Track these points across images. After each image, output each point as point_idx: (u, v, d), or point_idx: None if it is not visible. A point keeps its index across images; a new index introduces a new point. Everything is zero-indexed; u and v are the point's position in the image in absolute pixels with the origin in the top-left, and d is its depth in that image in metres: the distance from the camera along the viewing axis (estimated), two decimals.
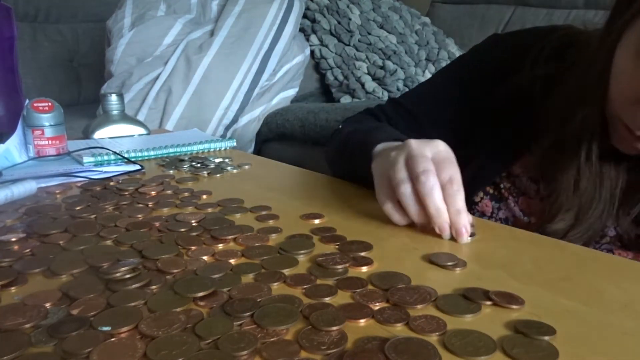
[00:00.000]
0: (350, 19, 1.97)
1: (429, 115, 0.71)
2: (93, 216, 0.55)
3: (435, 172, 0.48)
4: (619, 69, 0.50)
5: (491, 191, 0.65)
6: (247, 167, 0.76)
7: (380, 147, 0.58)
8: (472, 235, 0.48)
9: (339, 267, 0.42)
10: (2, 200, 0.58)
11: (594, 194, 0.56)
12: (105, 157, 0.78)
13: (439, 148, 0.51)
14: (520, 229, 0.54)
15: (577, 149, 0.56)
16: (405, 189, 0.49)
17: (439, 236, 0.49)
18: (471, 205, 0.65)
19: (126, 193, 0.63)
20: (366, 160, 0.58)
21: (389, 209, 0.51)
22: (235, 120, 1.71)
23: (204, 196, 0.62)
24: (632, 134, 0.51)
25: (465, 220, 0.47)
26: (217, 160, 0.79)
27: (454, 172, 0.49)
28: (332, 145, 0.76)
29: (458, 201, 0.48)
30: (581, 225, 0.56)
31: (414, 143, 0.51)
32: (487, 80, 0.67)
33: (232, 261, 0.43)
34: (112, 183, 0.68)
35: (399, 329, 0.34)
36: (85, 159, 0.76)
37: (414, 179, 0.48)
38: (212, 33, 1.69)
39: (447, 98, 0.71)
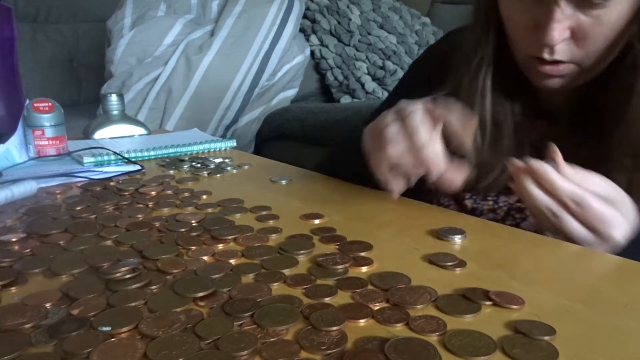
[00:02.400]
0: (350, 19, 1.97)
1: None
2: (93, 216, 0.55)
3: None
4: (508, 16, 0.58)
5: None
6: (247, 167, 0.76)
7: (370, 124, 0.60)
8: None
9: (339, 267, 0.42)
10: (2, 200, 0.58)
11: (493, 139, 0.62)
12: (106, 157, 0.78)
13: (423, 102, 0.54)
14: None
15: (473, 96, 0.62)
16: (392, 128, 0.50)
17: (439, 236, 0.49)
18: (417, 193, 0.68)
19: (126, 193, 0.63)
20: (359, 142, 0.59)
21: (384, 174, 0.52)
22: (235, 120, 1.71)
23: (204, 196, 0.62)
24: (539, 62, 0.57)
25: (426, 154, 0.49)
26: (217, 160, 0.79)
27: (442, 113, 0.51)
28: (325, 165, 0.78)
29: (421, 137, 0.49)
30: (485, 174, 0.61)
31: (402, 101, 0.54)
32: (423, 90, 0.68)
33: (232, 261, 0.43)
34: (112, 183, 0.68)
35: (399, 329, 0.34)
36: (86, 159, 0.76)
37: (401, 121, 0.50)
38: (212, 33, 1.69)
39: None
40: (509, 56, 0.62)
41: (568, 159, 0.58)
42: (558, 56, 0.56)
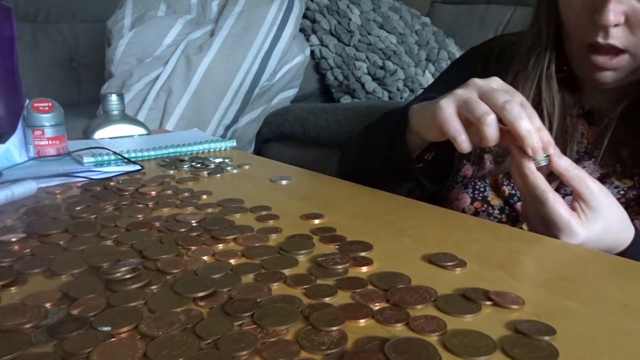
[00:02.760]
0: (350, 19, 1.97)
1: None
2: (93, 216, 0.55)
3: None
4: (565, 3, 0.61)
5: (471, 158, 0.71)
6: (247, 167, 0.76)
7: (416, 107, 0.62)
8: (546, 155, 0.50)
9: (339, 267, 0.42)
10: (2, 200, 0.58)
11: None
12: (106, 157, 0.78)
13: (500, 81, 0.55)
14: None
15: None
16: (492, 119, 0.50)
17: (438, 236, 0.49)
18: (456, 173, 0.71)
19: (126, 193, 0.63)
20: (402, 126, 0.61)
21: (464, 137, 0.52)
22: (235, 120, 1.71)
23: (204, 196, 0.62)
24: (593, 51, 0.59)
25: (548, 134, 0.51)
26: (217, 160, 0.79)
27: (522, 98, 0.52)
28: (352, 144, 0.79)
29: (537, 120, 0.51)
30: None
31: (478, 80, 0.54)
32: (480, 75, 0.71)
33: (232, 261, 0.43)
34: (112, 183, 0.68)
35: (399, 329, 0.34)
36: (86, 159, 0.76)
37: (499, 109, 0.50)
38: (212, 33, 1.69)
39: None
40: (561, 52, 0.64)
41: (604, 159, 0.60)
42: (612, 40, 0.57)
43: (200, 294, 0.37)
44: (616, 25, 0.56)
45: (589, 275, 0.42)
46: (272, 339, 0.32)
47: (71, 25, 2.04)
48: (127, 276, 0.40)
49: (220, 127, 1.68)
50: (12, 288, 0.39)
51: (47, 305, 0.36)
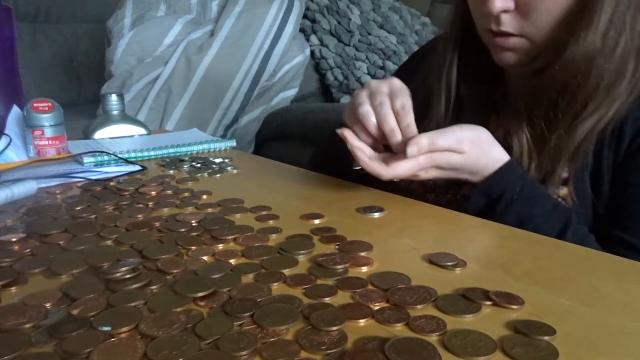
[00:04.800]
0: (350, 19, 1.97)
1: None
2: (93, 216, 0.55)
3: (390, 103, 0.58)
4: None
5: None
6: (247, 167, 0.76)
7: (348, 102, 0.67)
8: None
9: (339, 267, 0.42)
10: (2, 200, 0.58)
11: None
12: (106, 157, 0.78)
13: (394, 82, 0.61)
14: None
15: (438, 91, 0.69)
16: (365, 109, 0.59)
17: (438, 236, 0.49)
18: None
19: (126, 193, 0.63)
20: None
21: (348, 132, 0.59)
22: (235, 120, 1.71)
23: (204, 196, 0.62)
24: (491, 34, 0.61)
25: (415, 131, 0.56)
26: (217, 160, 0.79)
27: (405, 100, 0.58)
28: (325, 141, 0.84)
29: (408, 119, 0.57)
30: None
31: (373, 82, 0.62)
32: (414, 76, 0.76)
33: (232, 261, 0.43)
34: (112, 183, 0.68)
35: (399, 329, 0.34)
36: (86, 159, 0.76)
37: (374, 110, 0.58)
38: (212, 33, 1.69)
39: None
40: (476, 44, 0.65)
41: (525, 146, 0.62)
42: (504, 27, 0.59)
43: (200, 294, 0.37)
44: (506, 12, 0.57)
45: (589, 275, 0.42)
46: (272, 339, 0.32)
47: (71, 25, 2.04)
48: (127, 276, 0.40)
49: (220, 127, 1.68)
50: (12, 288, 0.39)
51: (47, 305, 0.36)
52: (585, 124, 0.58)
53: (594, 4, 0.54)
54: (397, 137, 0.56)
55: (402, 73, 0.81)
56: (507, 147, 0.61)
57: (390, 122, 0.57)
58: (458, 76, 0.68)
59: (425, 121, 0.68)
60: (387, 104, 0.58)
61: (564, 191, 0.61)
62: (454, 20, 0.69)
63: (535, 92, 0.61)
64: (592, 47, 0.55)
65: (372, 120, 0.58)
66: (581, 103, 0.57)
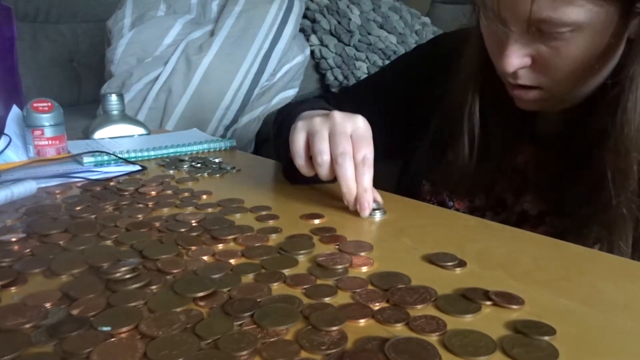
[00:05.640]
0: (350, 19, 1.97)
1: (374, 106, 0.75)
2: (93, 216, 0.55)
3: (352, 152, 0.54)
4: (484, 37, 0.59)
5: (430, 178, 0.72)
6: (247, 167, 0.76)
7: (306, 113, 0.62)
8: (378, 209, 0.55)
9: (339, 267, 0.42)
10: (2, 200, 0.58)
11: (487, 161, 0.64)
12: (105, 157, 0.78)
13: (359, 124, 0.56)
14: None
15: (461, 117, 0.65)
16: (324, 160, 0.54)
17: (438, 236, 0.49)
18: (416, 191, 0.71)
19: (126, 193, 0.63)
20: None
21: (302, 163, 0.57)
22: (235, 120, 1.71)
23: (204, 196, 0.62)
24: (509, 84, 0.59)
25: (369, 197, 0.54)
26: (217, 160, 0.79)
27: (368, 151, 0.55)
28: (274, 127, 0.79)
29: (365, 180, 0.54)
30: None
31: (338, 117, 0.56)
32: (424, 79, 0.72)
33: (232, 261, 0.43)
34: (112, 183, 0.68)
35: (399, 329, 0.34)
36: (85, 159, 0.76)
37: (333, 158, 0.54)
38: (212, 33, 1.69)
39: (391, 92, 0.78)
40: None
41: (553, 184, 0.60)
42: (521, 81, 0.56)
43: (200, 294, 0.37)
44: (523, 67, 0.55)
45: (589, 275, 0.42)
46: (272, 339, 0.32)
47: (71, 25, 2.04)
48: (127, 276, 0.40)
49: (220, 127, 1.68)
50: (12, 288, 0.39)
51: (47, 305, 0.36)
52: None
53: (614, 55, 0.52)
54: (352, 195, 0.54)
55: (408, 70, 0.78)
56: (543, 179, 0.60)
57: (349, 182, 0.53)
58: (481, 114, 0.65)
59: (447, 161, 0.67)
60: (350, 155, 0.53)
61: None
62: (473, 58, 0.64)
63: (571, 130, 0.59)
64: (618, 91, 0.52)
65: (326, 173, 0.55)
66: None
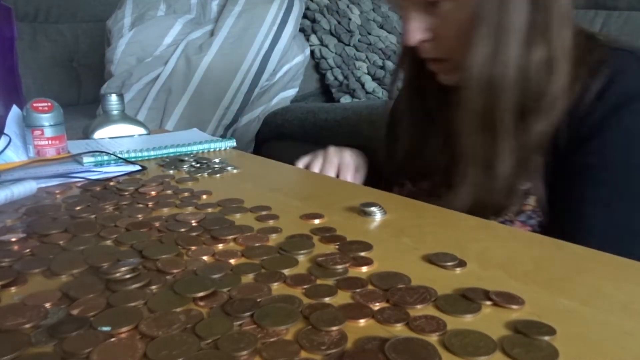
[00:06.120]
0: (350, 19, 1.97)
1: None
2: (93, 216, 0.55)
3: (336, 174, 0.76)
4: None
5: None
6: (247, 167, 0.76)
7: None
8: (378, 209, 0.55)
9: (339, 267, 0.42)
10: (2, 200, 0.58)
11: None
12: (105, 157, 0.78)
13: (344, 156, 0.79)
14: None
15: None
16: (316, 169, 0.78)
17: (438, 236, 0.49)
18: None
19: (126, 193, 0.63)
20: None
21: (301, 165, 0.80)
22: (235, 120, 1.71)
23: (204, 196, 0.62)
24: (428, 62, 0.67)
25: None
26: (217, 160, 0.79)
27: (348, 175, 0.77)
28: None
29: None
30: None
31: (331, 151, 0.79)
32: None
33: (232, 261, 0.43)
34: (112, 183, 0.68)
35: (399, 329, 0.34)
36: (85, 159, 0.76)
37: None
38: (212, 33, 1.69)
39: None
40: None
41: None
42: (425, 54, 0.65)
43: (200, 294, 0.37)
44: (425, 41, 0.63)
45: (589, 275, 0.42)
46: (272, 339, 0.32)
47: (71, 25, 2.04)
48: (127, 276, 0.40)
49: (220, 127, 1.68)
50: (12, 288, 0.39)
51: (47, 305, 0.36)
52: (530, 135, 0.60)
53: (476, 26, 0.58)
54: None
55: None
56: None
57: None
58: (417, 102, 0.73)
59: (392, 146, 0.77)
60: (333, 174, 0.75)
61: (531, 202, 0.62)
62: (402, 51, 0.74)
63: (460, 108, 0.63)
64: (483, 62, 0.58)
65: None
66: (502, 120, 0.59)
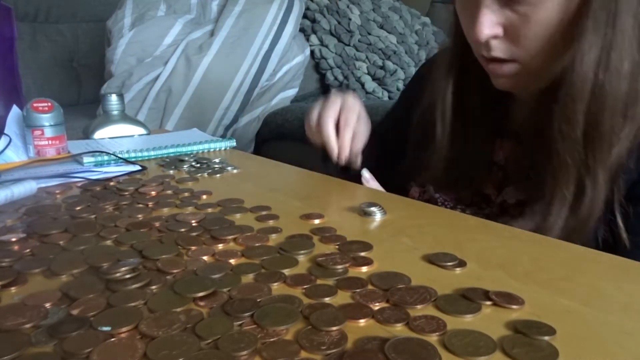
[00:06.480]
0: (350, 19, 1.97)
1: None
2: (93, 216, 0.55)
3: (336, 117, 0.71)
4: (459, 15, 0.62)
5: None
6: (247, 167, 0.76)
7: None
8: (378, 209, 0.54)
9: (339, 267, 0.42)
10: (2, 200, 0.58)
11: (464, 151, 0.67)
12: (105, 157, 0.78)
13: (347, 99, 0.73)
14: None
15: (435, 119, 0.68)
16: (313, 121, 0.74)
17: (438, 236, 0.49)
18: (402, 192, 0.73)
19: (126, 193, 0.63)
20: None
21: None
22: (235, 120, 1.71)
23: (204, 196, 0.62)
24: (484, 60, 0.60)
25: (345, 142, 0.70)
26: (217, 160, 0.79)
27: (349, 116, 0.71)
28: None
29: (345, 136, 0.70)
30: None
31: (332, 95, 0.74)
32: (412, 101, 0.77)
33: (232, 261, 0.43)
34: (112, 183, 0.68)
35: (399, 329, 0.34)
36: (85, 159, 0.76)
37: (320, 119, 0.72)
38: (212, 33, 1.69)
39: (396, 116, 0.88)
40: (479, 68, 0.63)
41: (529, 173, 0.60)
42: (494, 53, 0.58)
43: (200, 294, 0.37)
44: (496, 38, 0.56)
45: (589, 275, 0.42)
46: (272, 339, 0.32)
47: (71, 25, 2.04)
48: (127, 276, 0.40)
49: (220, 127, 1.68)
50: (12, 288, 0.39)
51: (47, 305, 0.36)
52: (613, 153, 0.54)
53: (580, 30, 0.52)
54: (331, 145, 0.70)
55: (408, 93, 0.86)
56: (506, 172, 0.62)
57: (329, 134, 0.70)
58: (458, 102, 0.66)
59: (428, 151, 0.69)
60: (331, 118, 0.71)
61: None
62: (452, 45, 0.67)
63: (540, 118, 0.57)
64: (587, 71, 0.52)
65: (314, 134, 0.74)
66: (606, 132, 0.53)
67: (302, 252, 0.45)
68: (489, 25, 0.55)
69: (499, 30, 0.56)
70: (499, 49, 0.57)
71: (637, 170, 0.54)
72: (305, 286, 0.39)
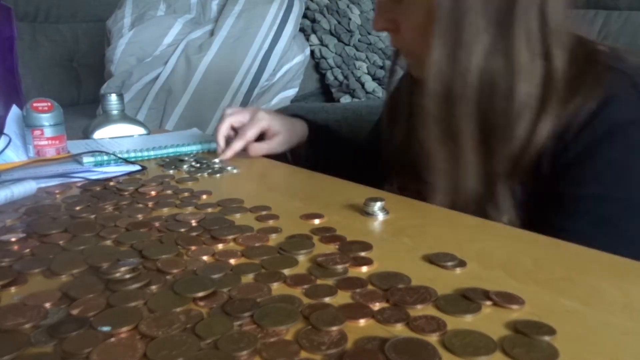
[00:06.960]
0: (350, 19, 1.97)
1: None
2: (93, 216, 0.55)
3: (227, 131, 0.80)
4: None
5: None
6: (247, 167, 0.76)
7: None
8: (380, 209, 0.54)
9: (339, 267, 0.42)
10: (2, 200, 0.58)
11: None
12: (105, 157, 0.78)
13: (258, 115, 0.79)
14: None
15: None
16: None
17: (438, 236, 0.49)
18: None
19: (126, 193, 0.63)
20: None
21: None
22: None
23: (204, 196, 0.62)
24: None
25: (233, 149, 0.78)
26: (217, 160, 0.79)
27: (248, 131, 0.78)
28: None
29: (235, 144, 0.78)
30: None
31: (251, 108, 0.82)
32: None
33: (232, 261, 0.43)
34: (111, 183, 0.68)
35: (399, 329, 0.34)
36: (85, 159, 0.76)
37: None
38: (212, 33, 1.69)
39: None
40: None
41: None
42: (393, 45, 0.69)
43: (200, 294, 0.37)
44: (393, 31, 0.65)
45: (589, 275, 0.42)
46: (272, 339, 0.32)
47: (71, 25, 2.04)
48: (127, 276, 0.40)
49: None
50: (12, 288, 0.39)
51: (47, 305, 0.36)
52: (497, 158, 0.58)
53: (433, 23, 0.56)
54: (219, 149, 0.80)
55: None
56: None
57: (217, 141, 0.80)
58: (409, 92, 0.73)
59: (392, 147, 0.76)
60: (223, 130, 0.80)
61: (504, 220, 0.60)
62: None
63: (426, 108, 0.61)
64: (441, 64, 0.56)
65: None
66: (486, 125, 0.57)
67: (302, 252, 0.45)
68: (379, 20, 0.64)
69: (390, 25, 0.64)
70: (393, 42, 0.67)
71: (574, 151, 0.56)
72: (305, 286, 0.39)
